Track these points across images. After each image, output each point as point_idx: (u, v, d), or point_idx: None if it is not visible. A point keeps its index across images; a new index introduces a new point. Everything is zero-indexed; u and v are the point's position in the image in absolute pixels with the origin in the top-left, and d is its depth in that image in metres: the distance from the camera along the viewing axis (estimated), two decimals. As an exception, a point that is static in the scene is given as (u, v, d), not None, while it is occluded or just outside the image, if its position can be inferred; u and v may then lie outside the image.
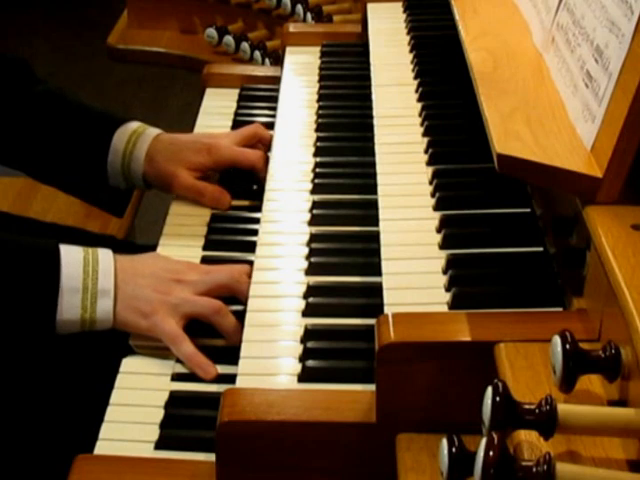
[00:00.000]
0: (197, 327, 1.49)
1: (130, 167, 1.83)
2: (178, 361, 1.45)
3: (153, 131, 1.86)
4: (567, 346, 0.99)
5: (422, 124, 1.73)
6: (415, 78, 1.89)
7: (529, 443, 0.97)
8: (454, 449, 0.94)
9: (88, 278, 1.46)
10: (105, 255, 1.50)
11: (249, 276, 1.52)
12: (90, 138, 1.86)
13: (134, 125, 1.86)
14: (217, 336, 1.49)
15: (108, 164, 1.84)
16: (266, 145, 1.90)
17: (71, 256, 1.48)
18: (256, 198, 1.77)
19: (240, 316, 1.45)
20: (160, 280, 1.50)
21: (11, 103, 1.89)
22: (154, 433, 1.33)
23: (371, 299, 1.39)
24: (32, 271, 1.46)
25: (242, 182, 1.84)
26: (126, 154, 1.82)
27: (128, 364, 1.45)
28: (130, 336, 1.49)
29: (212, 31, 2.90)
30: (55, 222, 2.26)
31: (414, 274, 1.37)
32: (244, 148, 1.86)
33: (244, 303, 1.47)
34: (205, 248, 1.68)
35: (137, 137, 1.83)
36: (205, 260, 1.64)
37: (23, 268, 1.47)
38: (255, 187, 1.82)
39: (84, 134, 1.87)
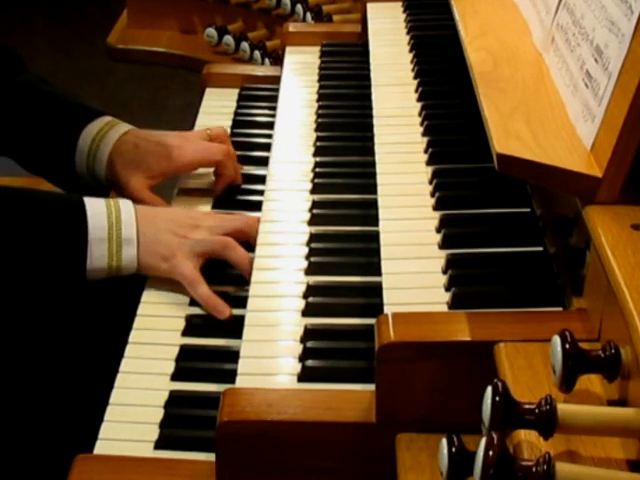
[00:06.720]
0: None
1: (94, 169, 1.81)
2: (178, 360, 1.45)
3: (119, 129, 1.81)
4: (567, 346, 0.99)
5: (422, 124, 1.73)
6: (415, 78, 1.89)
7: (529, 443, 0.97)
8: (454, 449, 0.94)
9: (113, 228, 1.55)
10: (126, 206, 1.58)
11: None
12: (59, 136, 1.83)
13: (100, 123, 1.82)
14: (217, 336, 1.49)
15: (76, 164, 1.82)
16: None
17: (95, 208, 1.56)
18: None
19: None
20: (179, 225, 1.59)
21: None
22: (154, 433, 1.33)
23: (371, 299, 1.39)
24: (61, 222, 1.55)
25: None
26: (90, 156, 1.80)
27: (128, 363, 1.45)
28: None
29: (212, 31, 2.90)
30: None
31: (414, 274, 1.37)
32: (210, 143, 1.81)
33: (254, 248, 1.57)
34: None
35: (101, 138, 1.80)
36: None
37: (53, 219, 1.56)
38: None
39: (54, 130, 1.84)
